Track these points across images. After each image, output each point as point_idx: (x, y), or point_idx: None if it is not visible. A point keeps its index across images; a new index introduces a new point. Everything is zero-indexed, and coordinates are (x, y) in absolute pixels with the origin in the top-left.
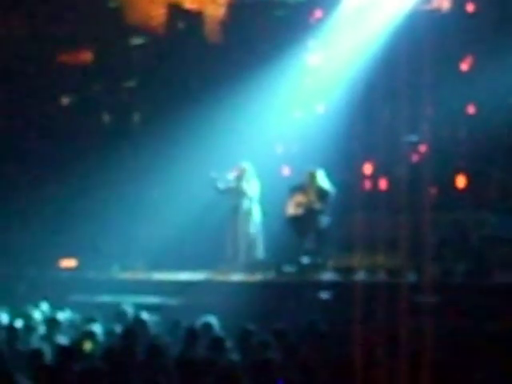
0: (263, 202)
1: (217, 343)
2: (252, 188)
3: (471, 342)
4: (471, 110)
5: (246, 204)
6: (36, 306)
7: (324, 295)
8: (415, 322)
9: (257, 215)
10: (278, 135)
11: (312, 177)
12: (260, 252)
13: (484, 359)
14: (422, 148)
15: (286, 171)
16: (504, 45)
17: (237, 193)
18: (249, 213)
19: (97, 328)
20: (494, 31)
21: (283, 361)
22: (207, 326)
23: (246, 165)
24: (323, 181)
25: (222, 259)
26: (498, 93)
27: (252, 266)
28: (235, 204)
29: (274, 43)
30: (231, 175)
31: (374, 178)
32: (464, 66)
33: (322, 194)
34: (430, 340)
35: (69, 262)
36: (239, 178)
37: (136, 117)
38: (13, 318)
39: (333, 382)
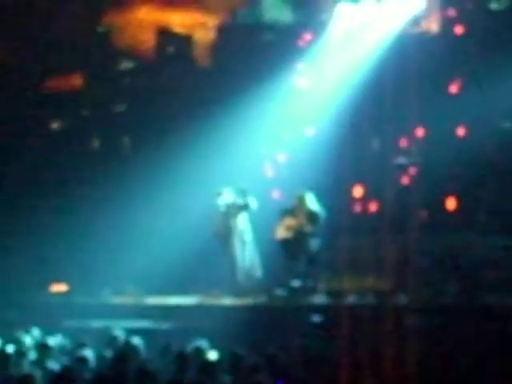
0: (254, 224)
1: (208, 367)
2: (245, 210)
3: (461, 364)
4: (461, 132)
5: (239, 227)
6: (27, 331)
7: (315, 318)
8: (405, 344)
9: (251, 236)
10: (268, 158)
11: (301, 200)
12: (258, 273)
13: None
14: (412, 170)
15: (276, 195)
16: (493, 67)
17: (229, 218)
18: (243, 235)
19: (88, 353)
20: (482, 53)
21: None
22: (198, 351)
23: (235, 188)
24: (313, 204)
25: (216, 283)
26: (488, 115)
27: (245, 289)
28: (228, 228)
29: (263, 67)
30: (224, 199)
31: (364, 200)
32: (453, 89)
33: (311, 216)
34: (420, 362)
35: (59, 287)
36: (229, 203)
37: (126, 142)
38: (4, 343)
39: None
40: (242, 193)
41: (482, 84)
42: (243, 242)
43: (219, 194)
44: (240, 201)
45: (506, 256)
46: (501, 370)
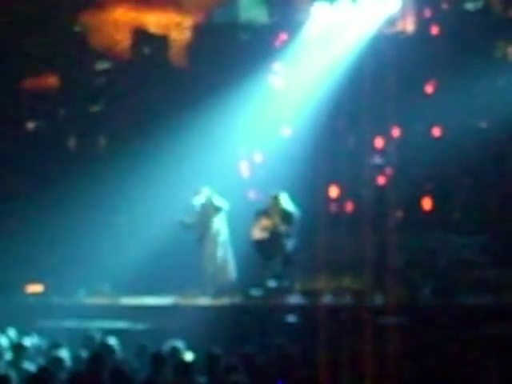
0: (230, 225)
1: (183, 368)
2: (219, 210)
3: (438, 363)
4: (437, 132)
5: (214, 227)
6: (3, 331)
7: (291, 319)
8: (381, 343)
9: (225, 237)
10: (245, 158)
11: (276, 200)
12: (231, 274)
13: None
14: (388, 170)
15: (252, 195)
16: (468, 67)
17: (204, 218)
18: (219, 234)
19: (63, 353)
20: (458, 54)
21: None
22: (174, 351)
23: (209, 189)
24: (287, 204)
25: (190, 283)
26: (463, 115)
27: (220, 290)
28: (204, 229)
29: (239, 67)
30: (197, 201)
31: (340, 200)
32: (429, 89)
33: (286, 217)
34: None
35: (35, 288)
36: (205, 204)
37: (102, 141)
38: None
39: None
40: (216, 194)
41: (458, 84)
42: (216, 243)
43: (197, 193)
44: (216, 201)
45: (482, 256)
46: (475, 370)
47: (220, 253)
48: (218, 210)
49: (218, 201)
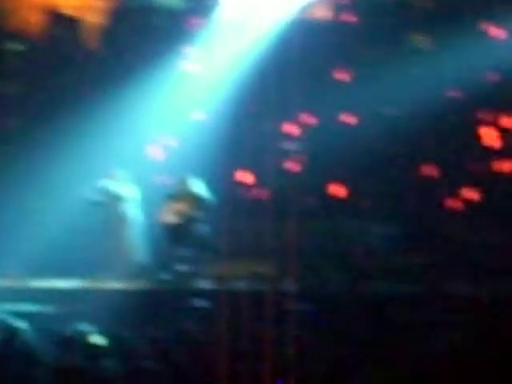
0: (141, 209)
1: (92, 351)
2: (129, 194)
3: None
4: (348, 119)
5: (123, 211)
6: None
7: (199, 303)
8: (288, 330)
9: (135, 221)
10: (157, 143)
11: (187, 185)
12: (141, 258)
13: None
14: (299, 156)
15: (163, 180)
16: (381, 55)
17: (114, 200)
18: (127, 219)
19: None
20: (371, 41)
21: (157, 368)
22: (82, 334)
23: (121, 172)
24: (199, 189)
25: (100, 266)
26: (376, 103)
27: (129, 273)
28: (114, 211)
29: (153, 50)
30: (106, 183)
31: (251, 186)
32: (342, 77)
33: (198, 201)
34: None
35: None
36: (114, 186)
37: (14, 123)
38: None
39: None
40: (126, 179)
41: (371, 72)
42: (126, 226)
43: (110, 176)
44: (126, 187)
45: (391, 244)
46: (381, 358)
47: (130, 236)
48: (127, 195)
49: (128, 186)
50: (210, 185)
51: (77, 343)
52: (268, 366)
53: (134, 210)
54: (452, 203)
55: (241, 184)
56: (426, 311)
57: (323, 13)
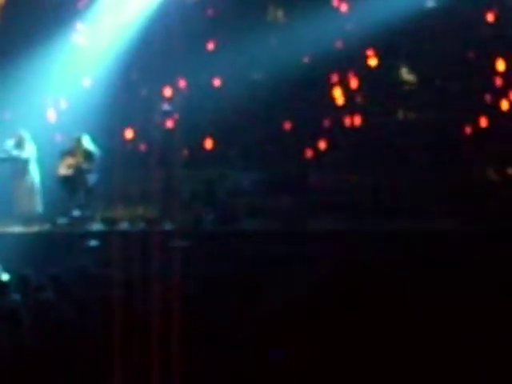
0: (39, 164)
1: (1, 287)
2: (29, 151)
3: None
4: (217, 83)
5: (24, 165)
6: None
7: (92, 243)
8: (169, 262)
9: (34, 175)
10: (51, 106)
11: (79, 141)
12: (39, 206)
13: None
14: (175, 116)
15: (58, 138)
16: (243, 28)
17: (17, 155)
18: (27, 173)
19: None
20: (235, 16)
21: (58, 300)
22: None
23: (23, 132)
24: (89, 144)
25: (5, 213)
26: (240, 69)
27: (30, 218)
28: (16, 166)
29: (49, 26)
30: (10, 142)
31: (135, 141)
32: (210, 46)
33: (88, 155)
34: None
35: None
36: (18, 144)
37: None
38: None
39: (101, 316)
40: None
41: (235, 42)
42: (27, 178)
43: (13, 135)
44: (27, 144)
45: (256, 187)
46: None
47: (30, 187)
48: (27, 151)
49: (29, 144)
50: (98, 141)
51: None
52: (157, 289)
53: (33, 165)
54: (309, 153)
55: (125, 140)
56: (288, 245)
57: None
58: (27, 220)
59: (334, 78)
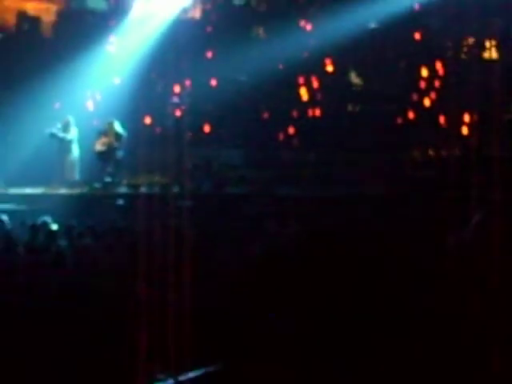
0: (80, 142)
1: (51, 234)
2: (72, 133)
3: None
4: (213, 83)
5: (68, 145)
6: None
7: (120, 202)
8: (180, 217)
9: (75, 152)
10: (91, 98)
11: (111, 125)
12: (77, 175)
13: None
14: (183, 107)
15: (95, 122)
16: (233, 41)
17: (64, 136)
18: (70, 151)
19: None
20: (227, 32)
21: (94, 245)
22: (45, 224)
23: (69, 118)
24: (118, 128)
25: (55, 178)
26: (231, 72)
27: (73, 183)
28: (63, 144)
29: (89, 39)
30: (59, 125)
31: (152, 125)
32: (209, 55)
33: (118, 136)
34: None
35: None
36: (65, 127)
37: None
38: None
39: (126, 258)
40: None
41: (227, 52)
42: (71, 153)
43: (63, 121)
44: (72, 126)
45: (242, 162)
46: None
47: (72, 161)
48: (71, 133)
49: (73, 127)
50: (125, 125)
51: (41, 229)
52: (172, 238)
53: (75, 145)
54: (281, 136)
55: (145, 124)
56: (260, 206)
57: (196, 13)
58: (70, 184)
59: (301, 79)
